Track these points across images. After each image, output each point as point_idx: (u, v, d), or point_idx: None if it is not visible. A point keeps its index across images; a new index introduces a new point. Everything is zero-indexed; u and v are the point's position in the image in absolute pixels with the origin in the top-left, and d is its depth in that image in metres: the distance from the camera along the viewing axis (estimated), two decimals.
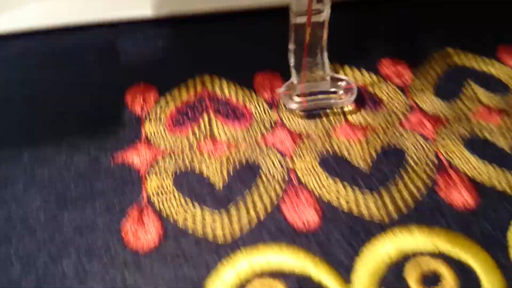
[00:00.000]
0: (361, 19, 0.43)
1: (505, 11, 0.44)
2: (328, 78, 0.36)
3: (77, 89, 0.39)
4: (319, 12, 0.34)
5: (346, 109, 0.37)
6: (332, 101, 0.36)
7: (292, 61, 0.36)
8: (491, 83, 0.38)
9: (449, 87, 0.38)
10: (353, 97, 0.36)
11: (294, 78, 0.36)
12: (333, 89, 0.37)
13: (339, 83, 0.37)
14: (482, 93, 0.37)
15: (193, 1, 0.44)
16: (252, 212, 0.31)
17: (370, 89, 0.38)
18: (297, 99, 0.36)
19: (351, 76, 0.39)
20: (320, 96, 0.37)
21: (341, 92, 0.37)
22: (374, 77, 0.39)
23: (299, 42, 0.35)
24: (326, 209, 0.31)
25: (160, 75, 0.39)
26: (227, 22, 0.44)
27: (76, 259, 0.29)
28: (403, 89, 0.38)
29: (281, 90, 0.36)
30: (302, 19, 0.34)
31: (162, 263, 0.29)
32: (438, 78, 0.39)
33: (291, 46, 0.36)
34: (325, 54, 0.36)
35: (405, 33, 0.42)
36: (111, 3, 0.44)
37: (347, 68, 0.39)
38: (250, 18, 0.44)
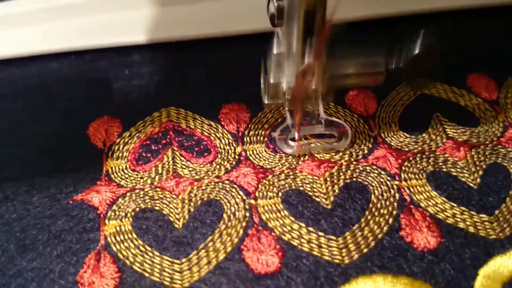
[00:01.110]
0: None
1: (476, 37, 0.44)
2: (322, 122, 0.36)
3: (40, 120, 0.38)
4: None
5: (312, 143, 0.36)
6: (327, 145, 0.36)
7: (286, 105, 0.36)
8: (460, 115, 0.38)
9: (415, 120, 0.38)
10: (348, 141, 0.36)
11: (288, 121, 0.36)
12: (327, 132, 0.36)
13: (333, 126, 0.36)
14: (449, 126, 0.37)
15: (162, 29, 0.44)
16: (211, 254, 0.31)
17: (337, 121, 0.37)
18: (291, 143, 0.36)
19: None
20: (314, 141, 0.36)
21: (335, 135, 0.36)
22: (340, 108, 0.38)
23: (293, 87, 0.34)
24: (286, 249, 0.31)
25: (125, 106, 0.39)
26: (197, 50, 0.43)
27: None
28: (368, 121, 0.37)
29: (275, 134, 0.36)
30: (295, 65, 0.32)
31: None
32: (405, 109, 0.38)
33: (286, 91, 0.35)
34: (320, 98, 0.36)
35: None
36: (77, 32, 0.43)
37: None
38: (222, 45, 0.43)
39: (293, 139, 0.36)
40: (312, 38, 0.31)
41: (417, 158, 0.35)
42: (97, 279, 0.30)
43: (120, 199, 0.33)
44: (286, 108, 0.36)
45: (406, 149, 0.36)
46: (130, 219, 0.32)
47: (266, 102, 0.34)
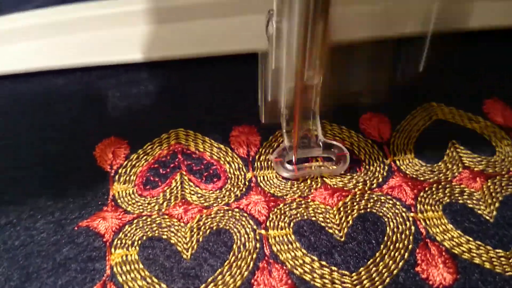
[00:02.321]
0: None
1: (495, 60, 0.43)
2: (321, 144, 0.35)
3: (45, 139, 0.37)
4: (311, 77, 0.32)
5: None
6: (325, 169, 0.35)
7: (283, 125, 0.35)
8: (476, 143, 0.37)
9: (431, 147, 0.37)
10: (346, 165, 0.35)
11: (286, 143, 0.35)
12: (325, 155, 0.36)
13: (332, 149, 0.35)
14: (465, 154, 0.36)
15: (171, 46, 0.43)
16: None
17: (349, 146, 0.36)
18: (289, 167, 0.35)
19: (330, 133, 0.37)
20: (312, 165, 0.36)
21: (334, 158, 0.35)
22: (354, 133, 0.37)
23: (289, 108, 0.33)
24: (298, 285, 0.30)
25: (133, 126, 0.38)
26: (209, 68, 0.42)
27: None
28: (383, 147, 0.36)
29: (272, 157, 0.35)
30: (293, 84, 0.32)
31: None
32: (420, 135, 0.37)
33: (283, 110, 0.34)
34: (318, 120, 0.35)
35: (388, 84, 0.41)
36: (84, 48, 0.42)
37: (326, 125, 0.38)
38: (234, 63, 0.42)
39: (290, 162, 0.35)
40: (312, 52, 0.29)
41: (433, 189, 0.34)
42: None
43: (127, 226, 0.32)
44: (283, 130, 0.35)
45: (422, 179, 0.35)
46: (137, 248, 0.31)
47: (263, 121, 0.32)
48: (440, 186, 0.34)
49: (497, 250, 0.31)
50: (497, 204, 0.34)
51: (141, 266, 0.30)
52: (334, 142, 0.35)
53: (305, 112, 0.34)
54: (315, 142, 0.35)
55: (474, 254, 0.31)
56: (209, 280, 0.30)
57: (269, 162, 0.36)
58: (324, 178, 0.35)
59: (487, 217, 0.33)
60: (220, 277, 0.30)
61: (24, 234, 0.32)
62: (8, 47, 0.42)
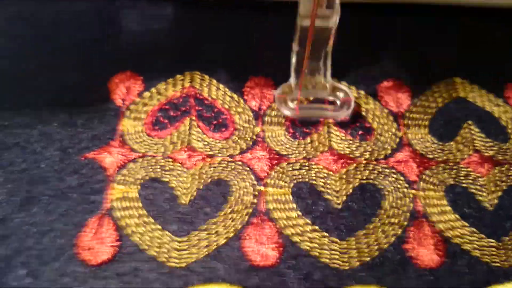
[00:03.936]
0: (367, 26, 0.40)
1: None
2: (328, 85, 0.35)
3: (60, 66, 0.37)
4: (328, 17, 0.32)
5: (334, 133, 0.35)
6: (328, 112, 0.35)
7: (293, 62, 0.35)
8: (492, 127, 0.36)
9: (446, 125, 0.36)
10: (349, 111, 0.35)
11: (292, 81, 0.35)
12: (331, 98, 0.35)
13: (338, 93, 0.35)
14: (479, 138, 0.36)
15: None
16: (212, 238, 0.31)
17: (364, 113, 0.36)
18: (291, 104, 0.35)
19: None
20: (315, 105, 0.35)
21: (338, 103, 0.35)
22: (371, 100, 0.37)
23: (303, 45, 0.33)
24: (287, 245, 0.31)
25: (150, 64, 0.38)
26: (238, 13, 0.41)
27: (27, 264, 0.29)
28: (397, 119, 0.36)
29: (276, 92, 0.35)
30: (308, 22, 0.32)
31: (113, 278, 0.29)
32: (438, 111, 0.37)
33: (295, 47, 0.34)
34: (329, 61, 0.35)
35: (415, 53, 0.40)
36: None
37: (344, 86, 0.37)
38: (266, 12, 0.41)
39: (293, 100, 0.35)
40: None
41: (440, 168, 0.34)
42: (97, 244, 0.30)
43: (131, 164, 0.33)
44: (292, 67, 0.35)
45: (431, 156, 0.35)
46: (138, 186, 0.32)
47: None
48: (447, 167, 0.34)
49: (490, 240, 0.31)
50: (499, 193, 0.33)
51: (139, 204, 0.31)
52: (341, 86, 0.35)
53: (317, 52, 0.34)
54: (323, 83, 0.34)
55: (466, 240, 0.31)
56: (203, 227, 0.31)
57: (280, 119, 0.36)
58: (332, 142, 0.35)
59: (487, 205, 0.33)
60: (213, 226, 0.31)
61: (31, 158, 0.33)
62: None
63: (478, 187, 0.33)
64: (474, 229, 0.32)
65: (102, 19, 0.40)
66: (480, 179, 0.34)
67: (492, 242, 0.31)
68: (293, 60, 0.35)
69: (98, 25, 0.40)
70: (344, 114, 0.35)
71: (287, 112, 0.35)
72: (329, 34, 0.33)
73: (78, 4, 0.40)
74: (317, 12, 0.31)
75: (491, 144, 0.35)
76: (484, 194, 0.33)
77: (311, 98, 0.36)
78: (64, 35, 0.39)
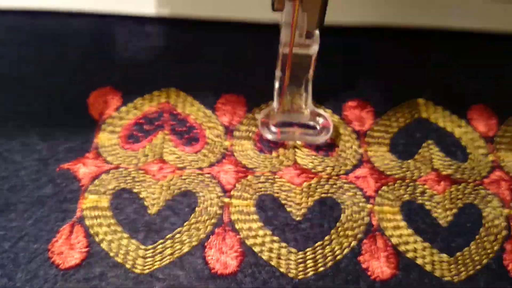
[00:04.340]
0: (335, 48, 0.42)
1: (493, 66, 0.43)
2: (308, 111, 0.37)
3: (43, 78, 0.40)
4: (308, 46, 0.34)
5: (299, 148, 0.37)
6: (307, 137, 0.37)
7: (276, 87, 0.37)
8: (451, 146, 0.38)
9: (406, 144, 0.38)
10: (328, 136, 0.37)
11: (275, 105, 0.37)
12: (311, 123, 0.38)
13: (318, 118, 0.37)
14: (438, 157, 0.37)
15: (185, 5, 0.44)
16: (176, 246, 0.32)
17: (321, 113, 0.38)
18: (273, 129, 0.37)
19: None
20: (295, 130, 0.38)
21: (317, 127, 0.37)
22: (336, 118, 0.39)
23: (285, 70, 0.35)
24: (247, 254, 0.32)
25: (130, 79, 0.40)
26: (215, 32, 0.44)
27: (3, 265, 0.31)
28: (359, 137, 0.38)
29: (259, 116, 0.37)
30: (287, 50, 0.34)
31: (81, 281, 0.31)
32: (399, 131, 0.38)
33: (277, 73, 0.37)
34: (310, 87, 0.37)
35: (380, 73, 0.42)
36: None
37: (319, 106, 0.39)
38: (241, 31, 0.44)
39: (276, 125, 0.37)
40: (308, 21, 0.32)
41: (397, 184, 0.36)
42: (66, 250, 0.32)
43: (103, 175, 0.35)
44: (275, 92, 0.37)
45: (389, 173, 0.36)
46: (109, 196, 0.34)
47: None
48: (404, 183, 0.36)
49: (442, 255, 0.33)
50: (454, 210, 0.35)
51: (109, 213, 0.33)
52: (321, 112, 0.37)
53: (298, 78, 0.36)
54: (303, 108, 0.37)
55: (418, 255, 0.33)
56: (168, 236, 0.33)
57: (248, 133, 0.38)
58: (296, 157, 0.37)
59: (441, 222, 0.34)
60: (178, 235, 0.33)
61: (11, 167, 0.35)
62: None
63: (434, 204, 0.35)
64: (427, 244, 0.33)
65: (88, 35, 0.42)
66: (436, 196, 0.36)
67: (443, 257, 0.33)
68: (276, 85, 0.37)
69: (84, 41, 0.42)
70: (323, 139, 0.37)
71: (269, 136, 0.37)
72: (309, 62, 0.35)
73: (65, 20, 0.43)
74: (297, 41, 0.33)
75: (449, 163, 0.37)
76: (439, 210, 0.35)
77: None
78: (50, 49, 0.41)
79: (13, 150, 0.35)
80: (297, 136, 0.37)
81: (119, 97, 0.39)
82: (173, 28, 0.44)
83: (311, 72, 0.36)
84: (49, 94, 0.38)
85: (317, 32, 0.34)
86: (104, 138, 0.37)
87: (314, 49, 0.34)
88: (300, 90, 0.37)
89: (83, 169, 0.35)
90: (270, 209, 0.34)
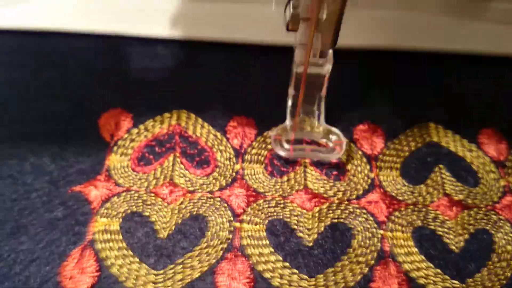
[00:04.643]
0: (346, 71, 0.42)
1: (504, 90, 0.43)
2: (321, 129, 0.37)
3: (55, 100, 0.40)
4: (321, 65, 0.34)
5: (309, 172, 0.37)
6: (320, 154, 0.37)
7: (289, 105, 0.37)
8: (463, 171, 0.38)
9: (417, 168, 0.38)
10: (341, 153, 0.37)
11: (288, 122, 0.37)
12: (324, 141, 0.38)
13: (331, 136, 0.37)
14: (449, 182, 0.37)
15: (193, 26, 0.44)
16: (186, 271, 0.32)
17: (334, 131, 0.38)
18: (286, 145, 0.37)
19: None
20: (308, 147, 0.38)
21: (330, 145, 0.37)
22: (347, 141, 0.39)
23: (298, 89, 0.35)
24: (258, 280, 0.32)
25: (140, 101, 0.40)
26: (227, 54, 0.44)
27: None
28: (370, 161, 0.38)
29: (272, 133, 0.37)
30: (302, 69, 0.34)
31: None
32: (410, 155, 0.38)
33: (291, 91, 0.37)
34: (323, 105, 0.37)
35: (391, 97, 0.42)
36: (116, 16, 0.44)
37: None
38: (254, 54, 0.44)
39: (288, 142, 0.37)
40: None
41: (409, 210, 0.36)
42: (78, 274, 0.32)
43: (115, 197, 0.35)
44: (288, 110, 0.37)
45: (401, 198, 0.36)
46: (120, 219, 0.34)
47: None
48: (416, 209, 0.36)
49: (454, 281, 0.33)
50: (466, 236, 0.35)
51: (120, 237, 0.33)
52: (334, 129, 0.37)
53: (311, 96, 0.37)
54: (316, 126, 0.37)
55: (430, 281, 0.33)
56: (179, 261, 0.33)
57: (260, 157, 0.38)
58: (308, 181, 0.37)
59: (453, 247, 0.34)
60: (189, 260, 0.33)
61: (22, 189, 0.35)
62: (36, 4, 0.44)
63: (445, 230, 0.35)
64: (438, 270, 0.33)
65: (99, 57, 0.42)
66: (448, 222, 0.35)
67: (456, 284, 0.33)
68: (289, 103, 0.37)
69: (94, 63, 0.42)
70: (336, 156, 0.37)
71: (281, 153, 0.37)
72: (322, 81, 0.35)
73: (76, 41, 0.43)
74: (311, 60, 0.33)
75: (461, 188, 0.37)
76: (451, 236, 0.35)
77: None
78: (60, 70, 0.41)
79: (25, 171, 0.35)
80: (310, 154, 0.37)
81: (130, 118, 0.39)
82: (184, 49, 0.44)
83: (324, 90, 0.36)
84: (61, 115, 0.38)
85: (330, 51, 0.34)
86: (115, 160, 0.36)
87: (327, 68, 0.35)
88: (313, 108, 0.37)
89: (94, 191, 0.35)
90: (281, 234, 0.34)
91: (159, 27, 0.44)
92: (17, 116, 0.38)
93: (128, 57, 0.43)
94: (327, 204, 0.36)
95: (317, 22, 0.31)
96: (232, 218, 0.34)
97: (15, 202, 0.34)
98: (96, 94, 0.40)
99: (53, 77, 0.41)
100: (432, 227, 0.35)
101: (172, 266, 0.32)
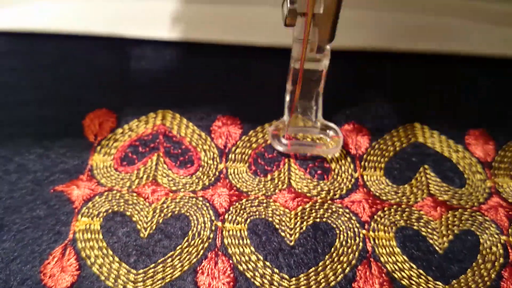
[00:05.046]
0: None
1: (493, 91, 0.43)
2: (318, 124, 0.37)
3: (42, 101, 0.40)
4: (319, 60, 0.34)
5: (293, 171, 0.37)
6: (317, 149, 0.37)
7: (287, 101, 0.37)
8: (448, 172, 0.38)
9: (402, 168, 0.38)
10: (337, 149, 0.37)
11: (285, 118, 0.37)
12: (321, 136, 0.38)
13: (328, 131, 0.37)
14: (434, 182, 0.37)
15: (183, 28, 0.44)
16: (167, 271, 0.32)
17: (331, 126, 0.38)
18: (284, 140, 0.37)
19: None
20: (306, 142, 0.38)
21: (328, 140, 0.37)
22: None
23: (295, 84, 0.35)
24: (239, 280, 0.32)
25: (125, 102, 0.40)
26: (213, 55, 0.44)
27: None
28: (355, 160, 0.38)
29: (270, 128, 0.37)
30: (298, 65, 0.34)
31: None
32: (395, 155, 0.38)
33: (288, 87, 0.37)
34: (320, 101, 0.37)
35: (376, 97, 0.42)
36: (100, 17, 0.44)
37: None
38: (240, 55, 0.44)
39: (286, 137, 0.37)
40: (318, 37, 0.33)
41: (392, 210, 0.35)
42: (58, 272, 0.32)
43: (96, 197, 0.35)
44: (286, 105, 0.37)
45: (384, 198, 0.36)
46: (101, 219, 0.34)
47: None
48: (399, 209, 0.36)
49: (437, 282, 0.33)
50: (450, 237, 0.35)
51: (100, 236, 0.33)
52: (331, 124, 0.37)
53: (309, 92, 0.37)
54: (313, 120, 0.37)
55: (413, 282, 0.32)
56: (159, 260, 0.33)
57: (244, 156, 0.37)
58: (291, 180, 0.36)
59: (437, 248, 0.34)
60: (169, 260, 0.33)
61: (7, 188, 0.35)
62: (31, 6, 0.44)
63: (429, 230, 0.35)
64: (422, 271, 0.33)
65: (88, 58, 0.42)
66: (432, 222, 0.35)
67: (439, 285, 0.32)
68: (287, 98, 0.37)
69: (83, 63, 0.42)
70: (333, 151, 0.37)
71: (279, 148, 0.37)
72: (320, 76, 0.35)
73: (61, 42, 0.43)
74: (308, 55, 0.33)
75: (446, 188, 0.37)
76: (435, 237, 0.34)
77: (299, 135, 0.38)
78: (45, 71, 0.42)
79: (9, 171, 0.35)
80: (307, 148, 0.37)
81: (114, 119, 0.39)
82: (168, 50, 0.44)
83: (321, 86, 0.36)
84: (46, 115, 0.38)
85: (328, 47, 0.34)
86: (98, 160, 0.36)
87: (325, 63, 0.35)
88: (311, 103, 0.37)
89: (77, 191, 0.35)
90: (263, 234, 0.34)
91: (145, 28, 0.44)
92: (5, 117, 0.38)
93: (113, 58, 0.43)
94: (310, 203, 0.36)
95: (314, 17, 0.31)
96: (214, 218, 0.34)
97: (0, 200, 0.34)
98: (81, 95, 0.40)
99: (39, 79, 0.41)
100: (416, 227, 0.35)
101: (152, 265, 0.32)
